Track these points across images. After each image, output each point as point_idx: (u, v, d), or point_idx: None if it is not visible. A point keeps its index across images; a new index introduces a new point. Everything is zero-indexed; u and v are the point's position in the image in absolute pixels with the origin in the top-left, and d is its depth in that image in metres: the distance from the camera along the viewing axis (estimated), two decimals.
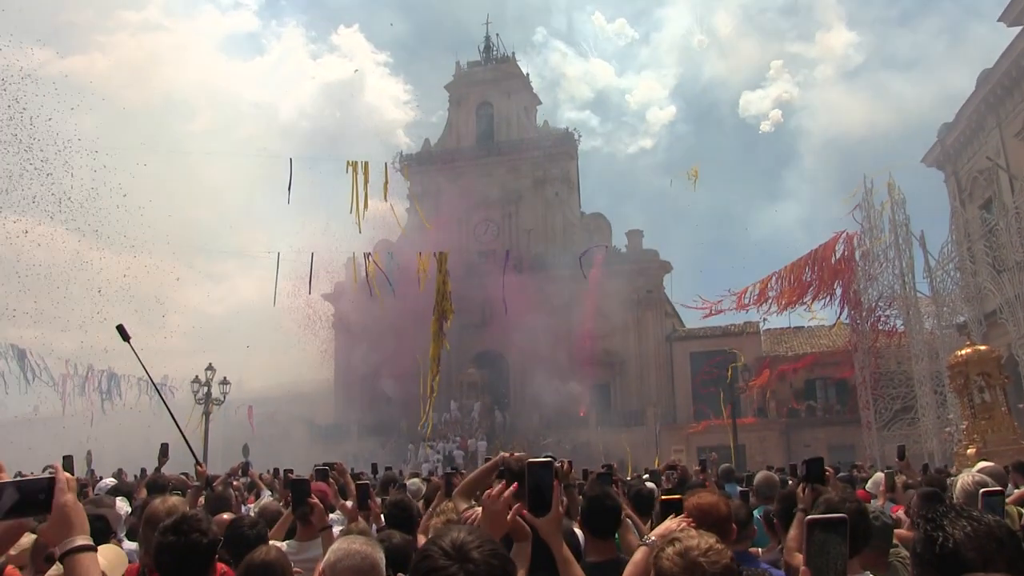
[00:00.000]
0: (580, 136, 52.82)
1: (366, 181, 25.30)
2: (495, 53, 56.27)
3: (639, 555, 3.40)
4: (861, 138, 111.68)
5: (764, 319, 37.64)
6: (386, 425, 45.58)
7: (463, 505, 4.44)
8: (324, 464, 7.77)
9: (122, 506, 6.67)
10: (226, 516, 5.72)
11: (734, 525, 4.09)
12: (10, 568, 4.04)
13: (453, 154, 52.46)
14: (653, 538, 3.37)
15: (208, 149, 63.11)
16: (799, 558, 3.35)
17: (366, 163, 25.58)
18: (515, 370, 46.95)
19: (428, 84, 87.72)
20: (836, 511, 3.76)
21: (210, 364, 33.12)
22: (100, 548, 2.93)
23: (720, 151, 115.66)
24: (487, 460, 5.49)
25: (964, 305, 30.62)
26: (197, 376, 33.01)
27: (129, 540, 5.81)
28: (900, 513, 7.15)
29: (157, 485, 8.32)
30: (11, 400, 37.01)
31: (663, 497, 3.94)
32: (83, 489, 9.77)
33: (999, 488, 4.88)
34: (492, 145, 53.03)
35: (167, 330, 43.70)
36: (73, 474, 3.17)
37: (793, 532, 4.87)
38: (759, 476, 9.04)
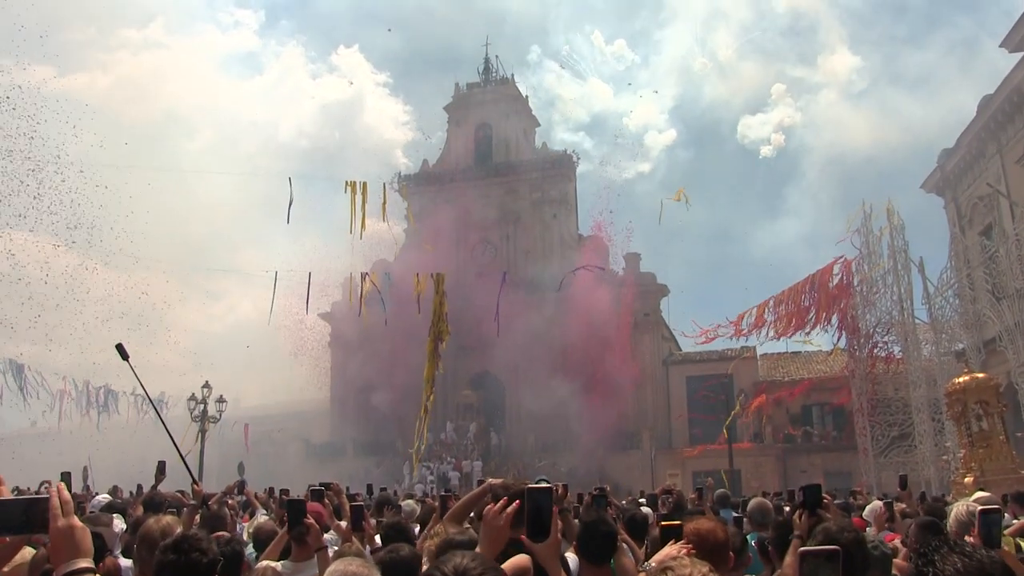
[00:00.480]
0: (578, 158, 52.97)
1: (364, 201, 25.38)
2: (494, 75, 56.48)
3: None
4: (866, 156, 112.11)
5: (760, 343, 37.67)
6: (382, 444, 45.52)
7: (453, 530, 4.45)
8: (320, 484, 7.75)
9: (118, 523, 6.64)
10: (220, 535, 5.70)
11: (731, 552, 4.10)
12: None
13: (452, 175, 52.47)
14: (652, 564, 3.38)
15: (207, 167, 63.28)
16: None
17: (364, 183, 25.67)
18: (511, 392, 46.88)
19: (427, 105, 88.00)
20: (834, 540, 3.76)
21: (207, 382, 33.14)
22: None
23: (720, 173, 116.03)
24: (480, 481, 5.49)
25: (963, 332, 30.62)
26: (193, 394, 32.99)
27: (124, 558, 5.80)
28: (896, 542, 7.13)
29: (154, 503, 8.31)
30: (10, 414, 37.04)
31: (663, 523, 3.95)
32: (79, 505, 9.75)
33: (997, 507, 4.88)
34: (490, 166, 53.07)
35: (165, 347, 43.76)
36: (71, 490, 3.17)
37: (789, 559, 4.85)
38: (752, 502, 9.02)
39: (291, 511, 5.29)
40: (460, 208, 49.96)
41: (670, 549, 3.45)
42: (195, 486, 8.06)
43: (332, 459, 43.99)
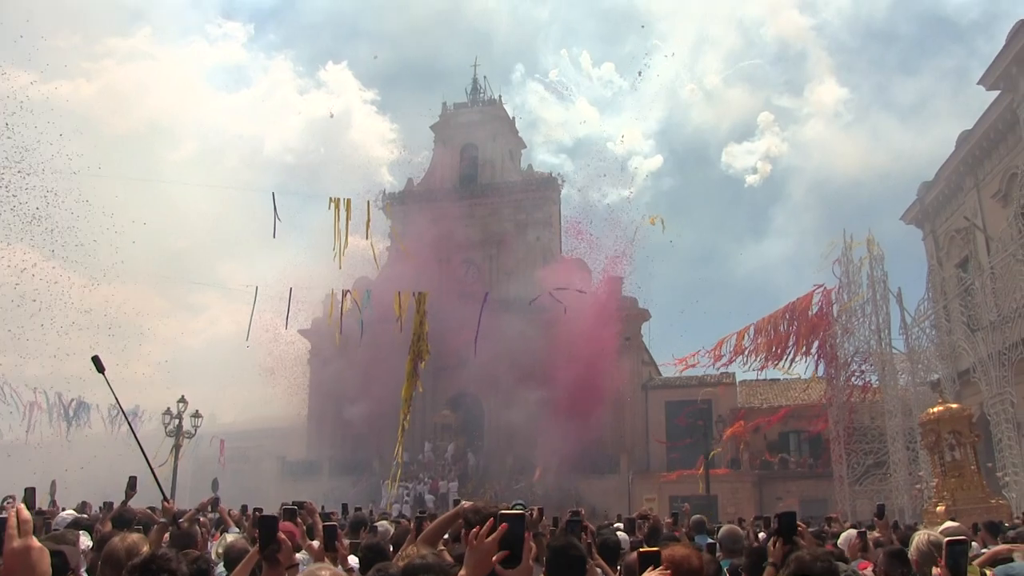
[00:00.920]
0: (563, 181, 53.04)
1: (348, 218, 25.30)
2: (482, 95, 56.62)
3: None
4: (852, 185, 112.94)
5: (744, 371, 37.78)
6: (359, 463, 45.28)
7: (426, 551, 4.41)
8: (293, 503, 7.68)
9: (85, 540, 6.56)
10: (194, 554, 5.64)
11: None
12: None
13: (436, 194, 52.37)
14: None
15: (191, 179, 63.14)
16: None
17: (348, 200, 25.54)
18: (489, 413, 46.76)
19: (414, 123, 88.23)
20: (808, 569, 3.76)
21: (182, 396, 32.91)
22: None
23: (706, 199, 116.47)
24: (456, 502, 5.47)
25: (938, 363, 30.86)
26: (169, 408, 32.76)
27: None
28: (869, 571, 7.14)
29: (123, 519, 8.21)
30: None
31: (640, 551, 3.94)
32: (45, 521, 9.63)
33: (963, 538, 4.90)
34: (475, 187, 53.07)
35: (141, 360, 43.45)
36: (35, 506, 3.12)
37: None
38: (724, 530, 9.02)
39: (262, 529, 5.23)
40: (444, 228, 49.89)
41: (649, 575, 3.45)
42: (165, 503, 7.95)
43: (308, 477, 43.73)
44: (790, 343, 34.07)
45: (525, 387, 41.77)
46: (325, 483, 42.29)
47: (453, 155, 54.85)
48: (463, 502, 4.91)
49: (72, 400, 40.76)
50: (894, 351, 31.38)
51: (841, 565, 5.10)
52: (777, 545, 5.06)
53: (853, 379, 32.91)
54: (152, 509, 10.89)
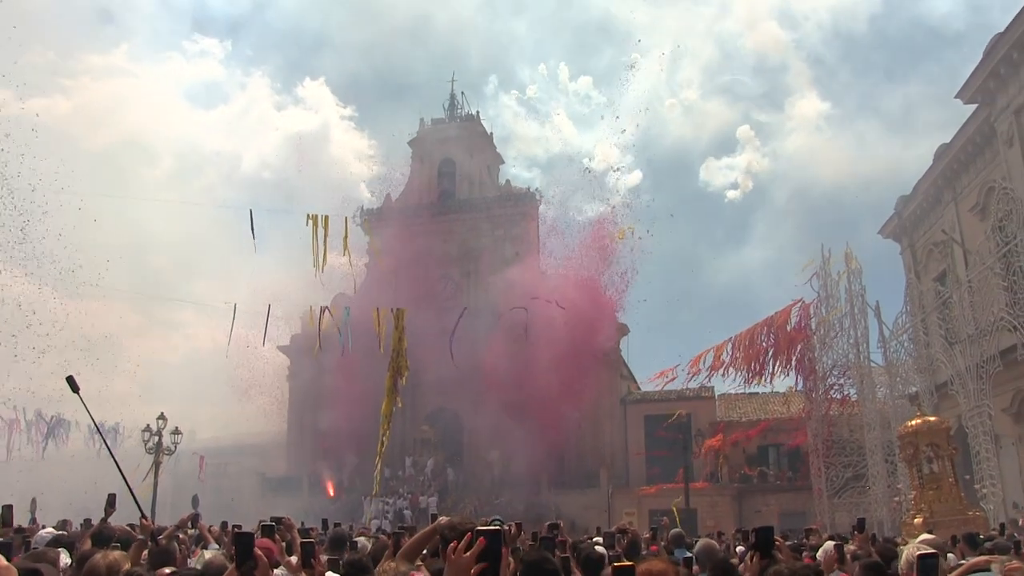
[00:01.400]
0: (541, 196, 53.06)
1: (326, 235, 25.34)
2: (459, 111, 56.72)
3: None
4: (832, 198, 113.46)
5: (732, 384, 37.89)
6: (339, 480, 45.09)
7: (404, 567, 4.44)
8: (271, 519, 7.68)
9: (64, 558, 6.55)
10: (167, 571, 5.66)
11: None
12: None
13: (415, 210, 52.29)
14: None
15: (168, 196, 62.84)
16: None
17: (326, 216, 25.63)
18: (469, 428, 46.69)
19: (392, 138, 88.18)
20: None
21: (162, 413, 32.73)
22: None
23: (685, 212, 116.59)
24: (434, 516, 5.50)
25: (916, 376, 31.03)
26: (148, 425, 32.59)
27: None
28: None
29: (103, 536, 8.18)
30: None
31: (615, 565, 3.98)
32: (24, 539, 9.58)
33: (934, 552, 4.98)
34: (453, 202, 53.13)
35: (121, 377, 43.14)
36: (12, 524, 3.14)
37: None
38: (700, 544, 9.06)
39: (239, 546, 5.25)
40: (421, 243, 49.90)
41: None
42: (143, 520, 7.94)
43: (288, 493, 43.51)
44: (768, 356, 34.22)
45: (504, 402, 41.77)
46: (305, 499, 42.11)
47: (431, 171, 54.88)
48: (441, 518, 4.94)
49: (52, 417, 40.50)
50: (872, 364, 31.58)
51: None
52: (755, 560, 5.11)
53: (832, 392, 33.09)
54: (131, 526, 10.86)
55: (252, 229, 26.36)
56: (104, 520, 9.21)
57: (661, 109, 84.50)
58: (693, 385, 41.53)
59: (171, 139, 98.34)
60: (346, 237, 27.40)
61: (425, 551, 5.45)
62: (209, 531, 12.63)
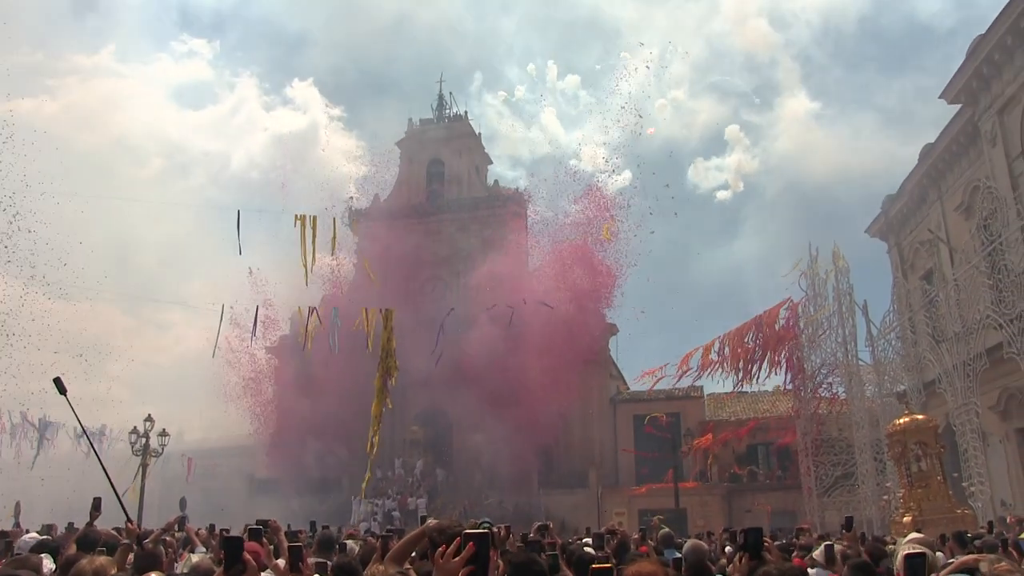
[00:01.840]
0: (530, 196, 53.02)
1: (314, 235, 25.30)
2: (448, 111, 56.69)
3: None
4: (822, 195, 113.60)
5: (727, 383, 37.92)
6: (328, 481, 44.94)
7: (393, 571, 4.40)
8: (258, 522, 7.63)
9: (48, 564, 6.50)
10: (153, 575, 5.61)
11: None
12: None
13: (403, 210, 52.23)
14: None
15: (157, 197, 62.70)
16: None
17: (314, 217, 25.61)
18: (458, 428, 46.60)
19: (380, 139, 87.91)
20: None
21: (149, 415, 32.58)
22: None
23: (675, 210, 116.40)
24: (423, 518, 5.47)
25: (904, 374, 31.07)
26: (136, 427, 32.45)
27: None
28: None
29: (88, 540, 8.12)
30: None
31: (594, 566, 3.93)
32: (8, 543, 9.51)
33: (921, 551, 4.97)
34: (442, 203, 53.07)
35: (109, 379, 42.91)
36: None
37: None
38: (687, 545, 9.03)
39: (227, 550, 5.21)
40: (410, 244, 49.79)
41: None
42: (129, 524, 7.89)
43: (276, 494, 43.36)
44: (756, 355, 34.26)
45: (493, 402, 41.73)
46: (294, 501, 41.98)
47: (419, 171, 54.85)
48: (430, 520, 4.90)
49: (39, 419, 40.29)
50: (860, 363, 31.61)
51: None
52: (743, 561, 5.08)
53: (820, 391, 33.15)
54: (117, 530, 10.79)
55: (238, 230, 26.32)
56: (90, 524, 9.15)
57: (650, 109, 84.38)
58: (682, 385, 41.56)
59: (160, 140, 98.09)
60: (334, 238, 27.41)
61: (414, 554, 5.41)
62: (197, 534, 12.56)
